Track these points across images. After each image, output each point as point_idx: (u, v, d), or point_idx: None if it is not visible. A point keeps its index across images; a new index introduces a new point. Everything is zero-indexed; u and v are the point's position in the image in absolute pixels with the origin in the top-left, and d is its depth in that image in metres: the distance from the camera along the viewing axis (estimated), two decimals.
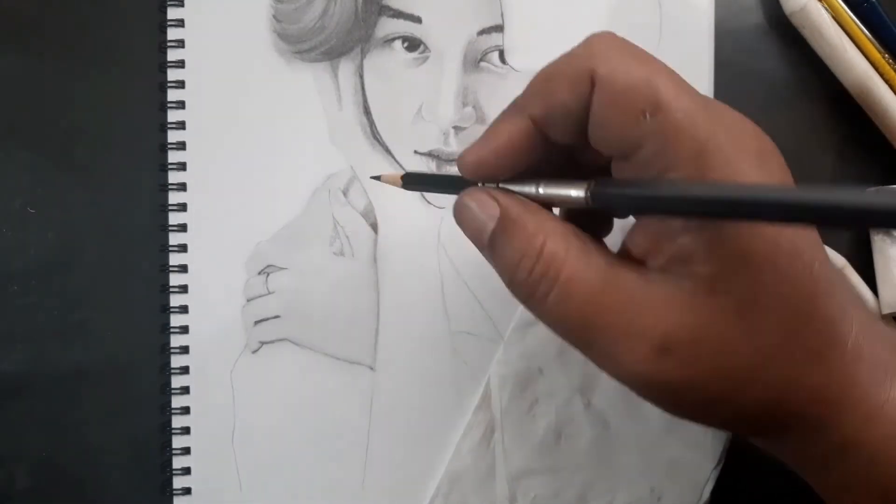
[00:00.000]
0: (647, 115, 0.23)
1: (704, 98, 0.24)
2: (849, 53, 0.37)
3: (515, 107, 0.26)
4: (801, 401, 0.23)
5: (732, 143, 0.23)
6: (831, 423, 0.24)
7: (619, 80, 0.23)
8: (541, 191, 0.25)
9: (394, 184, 0.30)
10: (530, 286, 0.24)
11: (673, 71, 0.24)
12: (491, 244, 0.25)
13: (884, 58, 0.37)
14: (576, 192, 0.24)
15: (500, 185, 0.26)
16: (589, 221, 0.27)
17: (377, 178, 0.32)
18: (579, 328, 0.24)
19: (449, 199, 0.38)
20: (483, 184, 0.26)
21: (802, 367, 0.23)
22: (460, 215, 0.26)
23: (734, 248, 0.22)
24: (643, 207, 0.23)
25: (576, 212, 0.28)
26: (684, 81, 0.24)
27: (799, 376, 0.23)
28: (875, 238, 0.37)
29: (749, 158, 0.23)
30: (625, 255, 0.25)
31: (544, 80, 0.25)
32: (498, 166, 0.26)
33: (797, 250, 0.23)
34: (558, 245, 0.24)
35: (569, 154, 0.27)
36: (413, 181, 0.30)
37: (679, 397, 0.24)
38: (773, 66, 0.39)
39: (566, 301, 0.24)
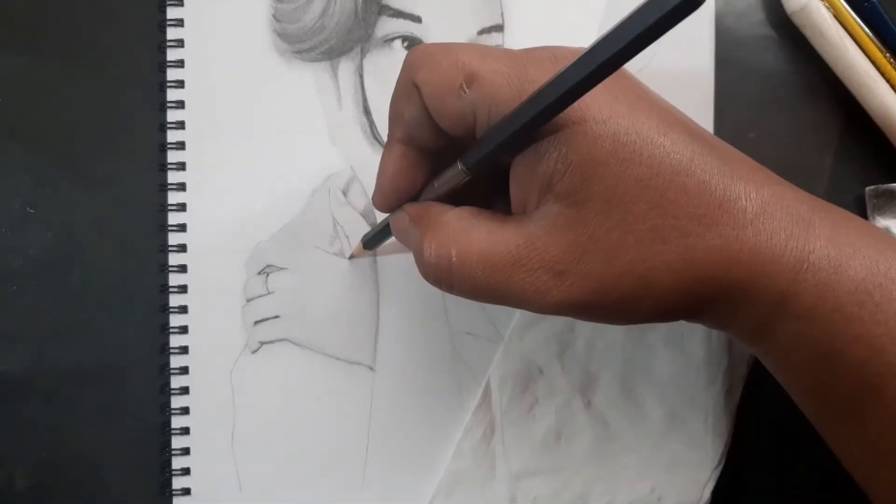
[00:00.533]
0: (465, 89, 0.25)
1: (514, 52, 0.26)
2: (850, 53, 0.37)
3: (388, 141, 0.30)
4: (712, 267, 0.25)
5: (545, 77, 0.24)
6: (758, 280, 0.25)
7: (432, 74, 0.26)
8: (435, 185, 0.29)
9: (360, 254, 0.36)
10: (434, 275, 0.27)
11: (478, 45, 0.28)
12: (410, 248, 0.29)
13: (885, 57, 0.37)
14: (453, 170, 0.27)
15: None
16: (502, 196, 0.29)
17: (352, 257, 0.38)
18: (490, 294, 0.27)
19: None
20: None
21: (695, 235, 0.25)
22: (396, 236, 0.31)
23: (579, 157, 0.24)
24: (497, 150, 0.25)
25: (486, 191, 0.30)
26: (489, 48, 0.27)
27: (695, 244, 0.25)
28: None
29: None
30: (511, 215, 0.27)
31: (392, 106, 0.29)
32: (400, 192, 0.29)
33: (640, 138, 0.24)
34: (442, 232, 0.27)
35: (457, 153, 0.29)
36: (370, 242, 0.35)
37: (594, 308, 0.26)
38: (773, 66, 0.39)
39: (466, 278, 0.26)
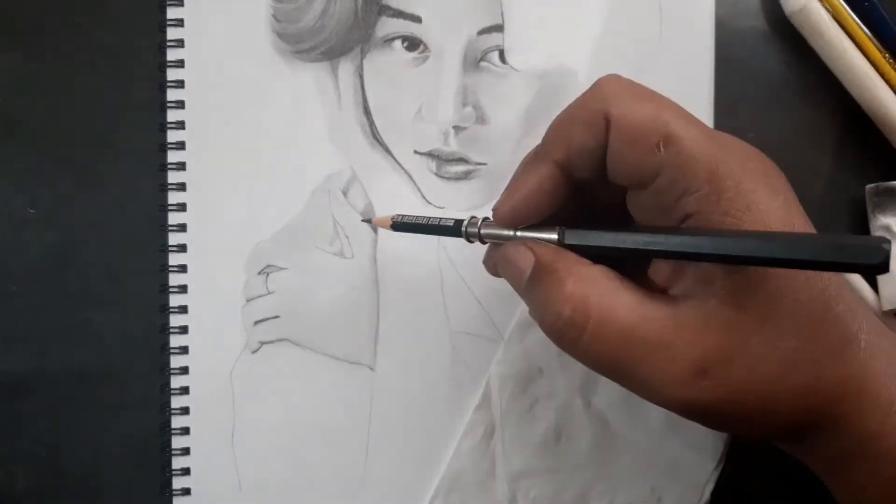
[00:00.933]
0: (662, 148, 0.25)
1: (710, 129, 0.26)
2: (849, 54, 0.37)
3: (537, 155, 0.28)
4: (826, 399, 0.25)
5: (740, 165, 0.24)
6: (854, 417, 0.25)
7: (631, 118, 0.25)
8: (518, 234, 0.28)
9: (384, 226, 0.33)
10: (560, 330, 0.26)
11: (679, 105, 0.26)
12: (527, 290, 0.27)
13: (884, 57, 0.37)
14: (547, 235, 0.27)
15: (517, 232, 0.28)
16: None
17: (368, 221, 0.36)
18: (613, 366, 0.25)
19: (449, 200, 0.38)
20: (479, 235, 0.29)
21: (824, 366, 0.24)
22: (503, 266, 0.29)
23: (750, 286, 0.24)
24: (607, 253, 0.26)
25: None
26: (691, 114, 0.26)
27: (822, 374, 0.24)
28: (875, 235, 0.36)
29: (756, 178, 0.25)
30: (648, 286, 0.26)
31: (562, 126, 0.27)
32: (530, 211, 0.28)
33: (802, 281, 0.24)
34: (585, 289, 0.25)
35: (586, 190, 0.28)
36: (403, 226, 0.32)
37: (720, 415, 0.25)
38: (773, 66, 0.39)
39: (597, 343, 0.25)
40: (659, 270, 0.26)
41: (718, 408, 0.25)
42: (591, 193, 0.28)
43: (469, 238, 0.30)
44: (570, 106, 0.27)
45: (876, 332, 0.25)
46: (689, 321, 0.24)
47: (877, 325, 0.26)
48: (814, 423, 0.25)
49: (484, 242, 0.30)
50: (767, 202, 0.24)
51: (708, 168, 0.24)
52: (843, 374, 0.25)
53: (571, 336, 0.25)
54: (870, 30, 0.37)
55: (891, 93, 0.37)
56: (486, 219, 0.30)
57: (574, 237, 0.27)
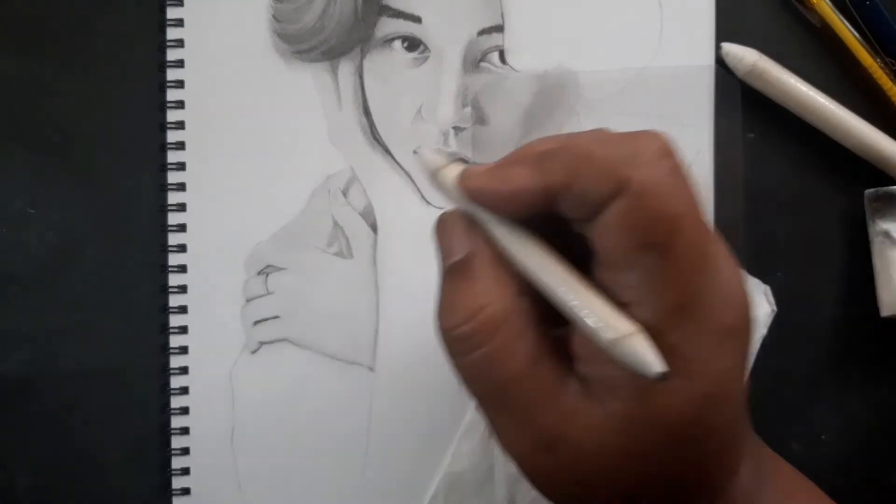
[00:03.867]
0: (653, 253, 0.21)
1: (712, 250, 0.23)
2: (813, 100, 0.37)
3: (538, 164, 0.23)
4: None
5: (705, 322, 0.22)
6: None
7: (646, 208, 0.21)
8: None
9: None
10: (449, 335, 0.24)
11: (695, 198, 0.22)
12: (445, 273, 0.25)
13: (875, 62, 0.37)
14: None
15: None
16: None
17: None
18: (485, 396, 0.24)
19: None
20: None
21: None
22: (438, 230, 0.26)
23: (648, 408, 0.22)
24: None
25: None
26: (703, 220, 0.22)
27: None
28: (874, 240, 0.36)
29: (715, 336, 0.22)
30: (562, 344, 0.24)
31: (575, 163, 0.22)
32: (495, 203, 0.24)
33: (714, 426, 0.23)
34: (500, 315, 0.23)
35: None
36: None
37: (544, 487, 0.24)
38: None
39: (482, 369, 0.24)
40: (579, 342, 0.23)
41: (546, 484, 0.24)
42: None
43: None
44: (594, 140, 0.23)
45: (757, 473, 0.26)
46: (567, 405, 0.23)
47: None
48: None
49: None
50: (712, 356, 0.23)
51: (675, 301, 0.22)
52: None
53: (457, 349, 0.24)
54: (870, 30, 0.37)
55: (865, 126, 0.37)
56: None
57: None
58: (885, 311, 0.36)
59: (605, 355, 0.21)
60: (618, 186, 0.21)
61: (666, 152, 0.22)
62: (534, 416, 0.23)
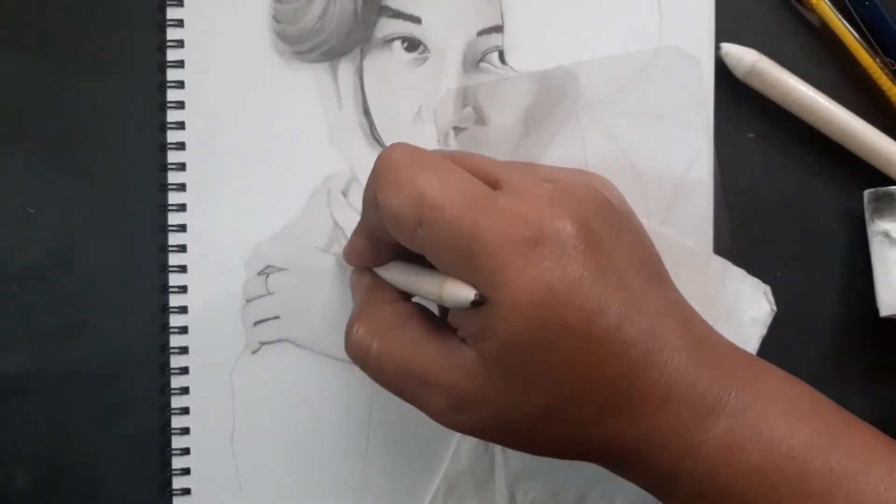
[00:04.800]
0: (418, 229, 0.26)
1: (475, 189, 0.27)
2: (813, 101, 0.37)
3: (358, 225, 0.32)
4: (598, 447, 0.27)
5: (498, 237, 0.25)
6: (642, 461, 0.27)
7: (390, 203, 0.27)
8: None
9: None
10: (349, 343, 0.31)
11: (448, 168, 0.27)
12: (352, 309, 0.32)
13: (875, 62, 0.37)
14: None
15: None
16: None
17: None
18: (396, 391, 0.30)
19: None
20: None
21: (586, 424, 0.27)
22: (351, 286, 0.34)
23: (508, 331, 0.26)
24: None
25: None
26: (455, 180, 0.27)
27: (584, 431, 0.27)
28: (874, 240, 0.37)
29: (514, 249, 0.25)
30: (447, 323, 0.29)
31: (365, 193, 0.30)
32: (366, 263, 0.32)
33: (567, 327, 0.25)
34: (374, 318, 0.30)
35: None
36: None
37: (489, 438, 0.30)
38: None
39: (377, 370, 0.30)
40: (451, 320, 0.28)
41: (483, 434, 0.29)
42: None
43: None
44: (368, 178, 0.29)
45: (681, 378, 0.26)
46: (454, 364, 0.27)
47: (687, 367, 0.26)
48: (590, 458, 0.28)
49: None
50: (516, 274, 0.25)
51: (458, 248, 0.26)
52: (615, 430, 0.27)
53: (359, 363, 0.30)
54: (869, 31, 0.37)
55: (865, 126, 0.37)
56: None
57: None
58: (885, 311, 0.36)
59: (458, 313, 0.27)
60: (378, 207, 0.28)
61: (393, 158, 0.28)
62: (436, 384, 0.28)
